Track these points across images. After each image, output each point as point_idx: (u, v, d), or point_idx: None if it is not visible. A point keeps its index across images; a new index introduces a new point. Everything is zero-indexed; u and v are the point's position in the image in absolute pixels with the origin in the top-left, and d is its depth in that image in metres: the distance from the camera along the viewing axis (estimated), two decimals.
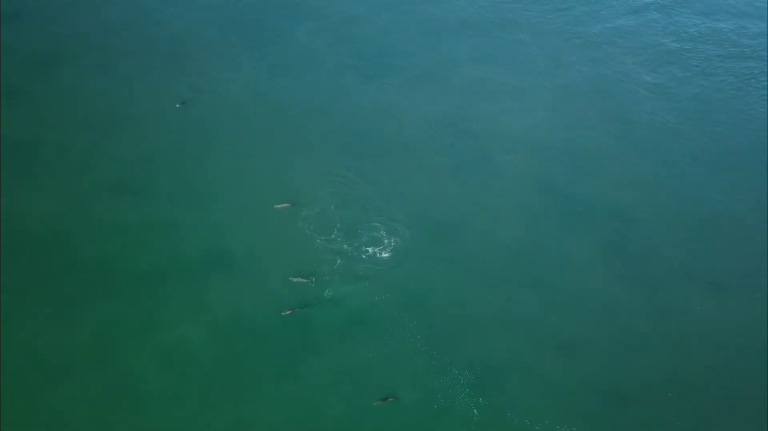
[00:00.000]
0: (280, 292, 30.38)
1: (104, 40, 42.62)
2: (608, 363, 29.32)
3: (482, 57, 44.15)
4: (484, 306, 30.90)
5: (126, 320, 29.15)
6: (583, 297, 31.58)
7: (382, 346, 29.04)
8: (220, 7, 46.04)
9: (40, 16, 43.83)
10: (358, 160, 36.56)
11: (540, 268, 32.56)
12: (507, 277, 32.10)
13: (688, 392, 28.44)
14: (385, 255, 32.07)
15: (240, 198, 34.08)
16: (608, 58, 44.66)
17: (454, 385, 27.99)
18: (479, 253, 32.93)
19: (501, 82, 42.40)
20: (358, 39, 44.53)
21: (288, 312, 29.42)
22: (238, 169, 35.59)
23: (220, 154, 36.33)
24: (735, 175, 37.84)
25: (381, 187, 35.26)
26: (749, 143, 39.74)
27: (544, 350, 29.57)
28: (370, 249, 32.17)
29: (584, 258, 33.12)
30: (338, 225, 33.08)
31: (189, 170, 35.41)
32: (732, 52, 45.53)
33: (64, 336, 28.44)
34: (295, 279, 30.64)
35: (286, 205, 33.39)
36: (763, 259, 33.35)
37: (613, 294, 31.80)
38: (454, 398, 27.63)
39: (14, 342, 27.89)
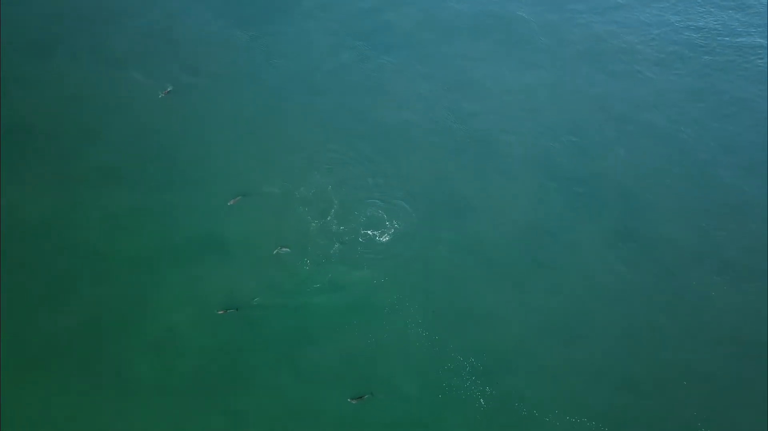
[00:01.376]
0: (273, 278, 29.52)
1: (97, 23, 41.53)
2: (619, 352, 28.28)
3: (485, 43, 42.88)
4: (489, 292, 29.86)
5: (117, 307, 28.46)
6: (592, 282, 30.51)
7: (381, 333, 28.08)
8: None
9: None
10: (357, 142, 35.38)
11: (547, 252, 31.42)
12: (512, 261, 31.01)
13: (702, 381, 27.43)
14: (384, 238, 30.95)
15: (233, 182, 33.05)
16: (614, 47, 43.36)
17: (459, 373, 26.97)
18: (483, 236, 31.82)
19: (502, 64, 41.24)
20: (356, 22, 43.29)
21: (221, 311, 28.20)
22: (232, 153, 34.61)
23: (213, 138, 35.35)
24: (744, 158, 36.54)
25: (381, 168, 34.16)
26: (757, 132, 38.36)
27: (552, 338, 28.58)
28: (369, 232, 31.10)
29: (592, 243, 31.98)
30: (336, 207, 32.05)
31: (182, 154, 34.49)
32: (741, 42, 44.27)
33: (53, 323, 27.86)
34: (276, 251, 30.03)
35: (239, 197, 32.23)
36: None
37: (622, 280, 30.69)
38: (460, 387, 26.61)
39: (2, 328, 27.31)
